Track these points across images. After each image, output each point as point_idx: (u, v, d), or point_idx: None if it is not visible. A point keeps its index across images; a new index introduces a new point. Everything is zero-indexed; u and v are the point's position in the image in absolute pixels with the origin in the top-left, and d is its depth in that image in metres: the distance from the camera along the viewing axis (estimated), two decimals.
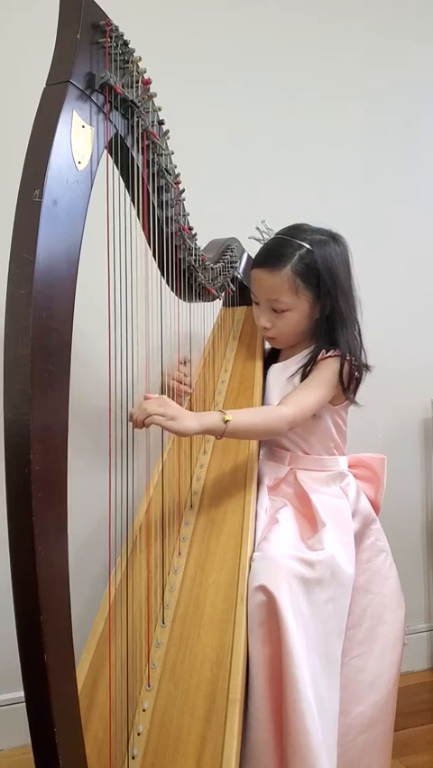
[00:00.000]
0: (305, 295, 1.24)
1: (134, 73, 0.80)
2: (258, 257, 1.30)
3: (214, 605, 0.96)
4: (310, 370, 1.24)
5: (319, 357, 1.24)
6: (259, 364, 1.39)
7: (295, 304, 1.25)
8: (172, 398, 1.12)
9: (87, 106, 0.68)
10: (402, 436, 1.97)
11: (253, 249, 1.35)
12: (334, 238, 1.27)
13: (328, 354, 1.23)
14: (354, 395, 1.26)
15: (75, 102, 0.66)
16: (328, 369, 1.23)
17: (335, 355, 1.23)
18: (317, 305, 1.26)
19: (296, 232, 1.27)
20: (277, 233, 1.32)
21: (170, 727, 0.82)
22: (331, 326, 1.26)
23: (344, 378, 1.23)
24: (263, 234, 1.36)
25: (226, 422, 1.06)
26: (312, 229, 1.27)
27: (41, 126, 0.64)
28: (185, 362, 1.34)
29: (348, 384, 1.24)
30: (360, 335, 1.28)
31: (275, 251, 1.25)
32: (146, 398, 0.99)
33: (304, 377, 1.24)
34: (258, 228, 1.35)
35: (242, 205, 1.70)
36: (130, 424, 0.96)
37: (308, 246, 1.24)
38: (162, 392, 1.31)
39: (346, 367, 1.23)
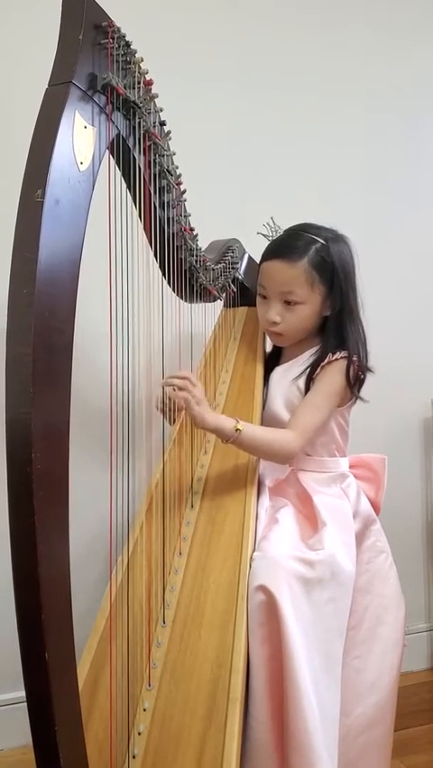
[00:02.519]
0: (319, 289, 1.24)
1: (136, 74, 0.80)
2: (272, 249, 1.29)
3: (214, 605, 0.96)
4: (317, 375, 1.24)
5: (326, 361, 1.24)
6: (260, 365, 1.40)
7: (309, 297, 1.25)
8: (172, 409, 1.12)
9: (90, 107, 0.69)
10: (402, 436, 1.97)
11: (258, 245, 1.34)
12: (341, 237, 1.28)
13: (335, 357, 1.23)
14: (359, 393, 1.27)
15: (77, 103, 0.66)
16: (334, 375, 1.23)
17: (341, 357, 1.23)
18: (327, 300, 1.26)
19: (308, 227, 1.28)
20: (288, 229, 1.32)
21: (170, 727, 0.82)
22: (340, 323, 1.26)
23: (350, 378, 1.23)
24: (272, 231, 1.36)
25: (237, 431, 1.10)
26: (322, 227, 1.29)
27: (44, 127, 0.64)
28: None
29: (354, 383, 1.24)
30: (364, 335, 1.29)
31: (291, 244, 1.26)
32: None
33: (309, 379, 1.24)
34: (267, 224, 1.35)
35: (243, 205, 1.71)
36: (131, 423, 0.96)
37: (322, 241, 1.24)
38: (164, 402, 1.30)
39: (352, 368, 1.23)
